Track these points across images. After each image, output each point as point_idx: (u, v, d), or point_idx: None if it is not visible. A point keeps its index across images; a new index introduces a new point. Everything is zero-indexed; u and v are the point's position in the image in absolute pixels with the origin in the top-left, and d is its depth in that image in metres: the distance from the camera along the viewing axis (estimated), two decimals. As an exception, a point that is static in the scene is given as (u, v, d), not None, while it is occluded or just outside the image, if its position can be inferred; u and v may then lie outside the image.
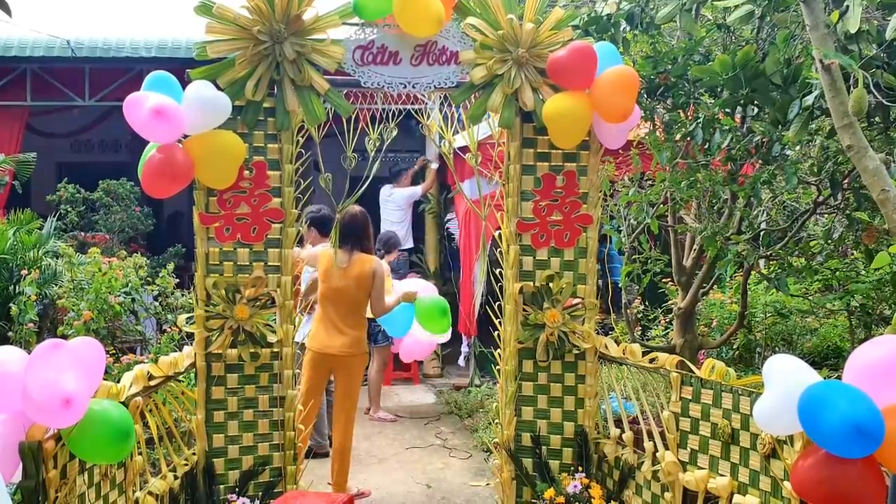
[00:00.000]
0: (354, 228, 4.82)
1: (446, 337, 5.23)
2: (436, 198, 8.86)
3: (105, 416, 2.76)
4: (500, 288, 4.29)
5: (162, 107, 3.39)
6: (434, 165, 8.63)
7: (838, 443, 2.42)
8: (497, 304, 4.32)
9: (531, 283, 4.11)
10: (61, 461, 2.77)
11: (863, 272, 5.34)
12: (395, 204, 8.64)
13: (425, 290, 5.09)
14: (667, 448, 3.64)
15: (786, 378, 2.66)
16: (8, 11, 2.48)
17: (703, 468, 3.45)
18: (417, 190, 8.70)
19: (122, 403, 3.07)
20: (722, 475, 3.35)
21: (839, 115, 2.99)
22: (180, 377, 3.88)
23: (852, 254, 5.56)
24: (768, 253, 4.57)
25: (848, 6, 3.19)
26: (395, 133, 4.31)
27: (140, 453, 3.40)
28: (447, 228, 8.87)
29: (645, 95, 4.42)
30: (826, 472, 2.51)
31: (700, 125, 4.16)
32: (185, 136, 3.67)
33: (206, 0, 3.69)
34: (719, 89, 4.10)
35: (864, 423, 2.35)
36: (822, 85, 3.06)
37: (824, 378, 2.66)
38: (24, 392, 2.56)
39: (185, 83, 3.67)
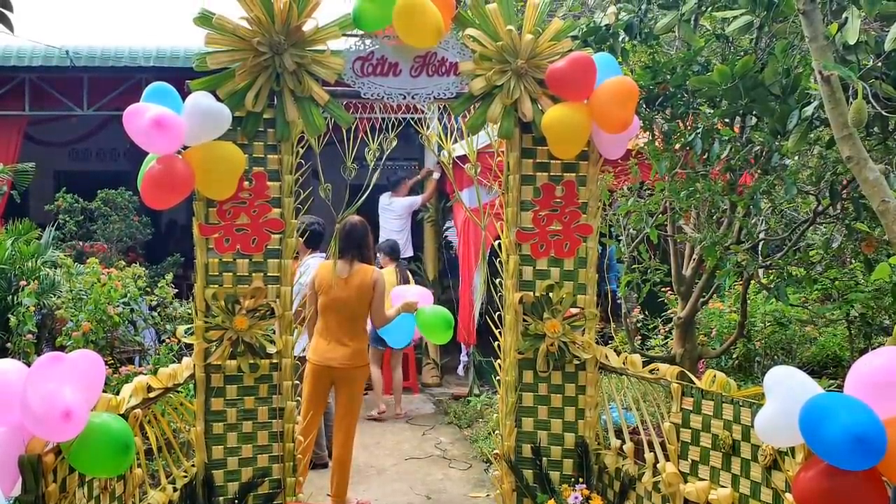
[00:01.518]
0: (355, 238, 4.81)
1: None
2: (434, 206, 8.86)
3: (105, 429, 2.75)
4: (500, 297, 4.29)
5: (162, 118, 3.39)
6: (435, 176, 8.64)
7: (840, 454, 2.42)
8: (497, 313, 4.32)
9: (531, 293, 4.11)
10: (61, 474, 2.76)
11: (861, 281, 5.35)
12: (395, 213, 8.65)
13: (422, 296, 5.07)
14: (667, 459, 3.63)
15: (787, 389, 2.66)
16: (10, 27, 2.48)
17: (704, 479, 3.45)
18: (417, 200, 8.71)
19: (122, 416, 3.05)
20: (723, 486, 3.35)
21: (839, 126, 3.00)
22: (179, 388, 3.87)
23: (850, 263, 5.57)
24: (767, 262, 4.57)
25: (847, 17, 3.20)
26: (394, 143, 4.32)
27: (139, 465, 3.39)
28: (445, 237, 8.87)
29: (644, 105, 4.43)
30: (828, 483, 2.51)
31: (699, 135, 4.17)
32: (185, 147, 3.67)
33: (205, 11, 3.69)
34: (718, 99, 4.10)
35: (867, 435, 2.34)
36: (822, 96, 3.06)
37: (825, 388, 2.66)
38: (24, 405, 2.55)
39: (183, 93, 3.67)
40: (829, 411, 2.42)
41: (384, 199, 8.74)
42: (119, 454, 2.78)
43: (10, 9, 2.48)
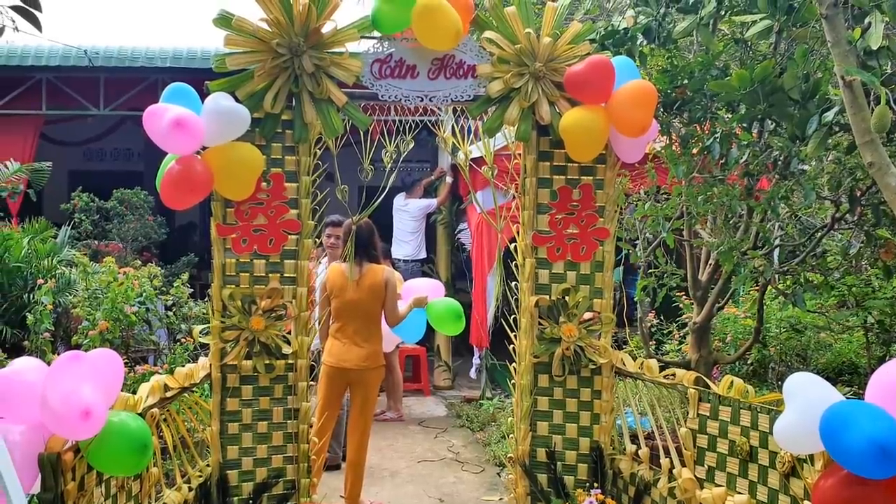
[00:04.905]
0: (361, 240, 4.79)
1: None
2: (448, 208, 8.87)
3: (123, 429, 2.77)
4: (515, 300, 4.28)
5: (182, 118, 3.40)
6: (449, 179, 8.65)
7: (862, 463, 2.40)
8: (512, 316, 4.31)
9: (547, 297, 4.10)
10: (79, 473, 2.77)
11: (878, 288, 5.31)
12: (410, 214, 8.66)
13: (434, 289, 5.06)
14: (683, 465, 3.61)
15: (807, 396, 2.64)
16: (39, 27, 2.50)
17: (720, 486, 3.43)
18: (433, 202, 8.72)
19: (139, 415, 3.07)
20: (740, 493, 3.33)
21: (861, 132, 2.98)
22: (195, 388, 3.88)
23: (867, 269, 5.53)
24: (784, 268, 4.55)
25: (869, 22, 3.18)
26: (412, 145, 4.32)
27: (156, 465, 3.40)
28: (458, 239, 8.88)
29: (662, 109, 4.41)
30: (848, 492, 2.49)
31: (717, 139, 4.15)
32: (204, 148, 3.68)
33: (225, 12, 3.70)
34: (737, 104, 4.08)
35: (890, 444, 2.32)
36: (844, 101, 3.04)
37: (843, 395, 2.64)
38: (44, 403, 2.57)
39: (201, 94, 3.69)
40: (851, 419, 2.41)
41: (399, 200, 8.75)
42: (137, 453, 2.79)
43: (39, 8, 2.50)
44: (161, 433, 3.50)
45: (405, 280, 6.11)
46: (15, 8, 2.52)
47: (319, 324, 4.73)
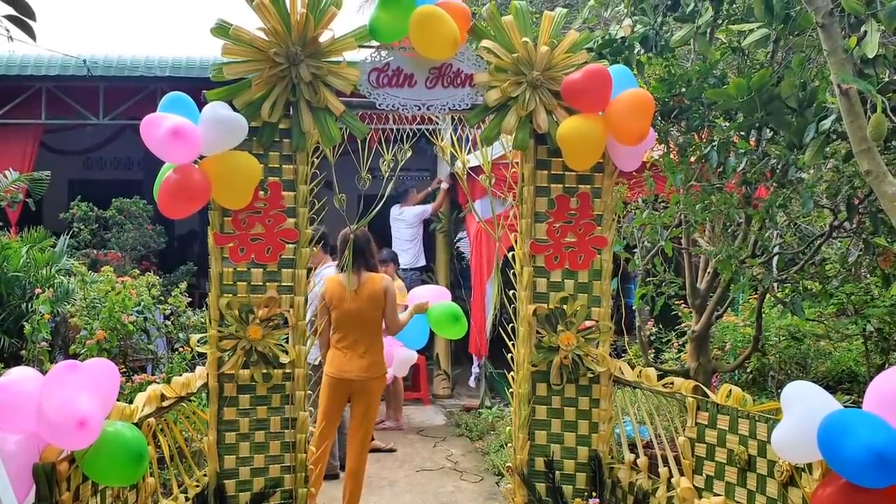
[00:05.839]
0: (358, 248, 4.77)
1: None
2: (447, 217, 8.88)
3: (119, 438, 2.75)
4: (513, 309, 4.27)
5: (180, 127, 3.41)
6: (444, 186, 8.66)
7: (860, 472, 2.40)
8: (510, 325, 4.30)
9: (545, 305, 4.09)
10: (74, 483, 2.76)
11: (877, 296, 5.31)
12: (406, 222, 8.67)
13: (440, 295, 5.04)
14: (682, 474, 3.60)
15: (805, 405, 2.64)
16: (33, 36, 2.50)
17: (719, 495, 3.42)
18: (427, 208, 8.73)
19: (136, 425, 3.05)
20: (738, 502, 3.32)
21: (858, 140, 2.98)
22: (192, 397, 3.87)
23: (865, 277, 5.53)
24: (783, 276, 4.54)
25: (865, 31, 3.19)
26: (409, 154, 4.32)
27: (152, 474, 3.38)
28: (457, 247, 8.87)
29: (659, 118, 4.42)
30: (846, 501, 2.49)
31: (715, 148, 4.15)
32: (201, 157, 3.68)
33: (222, 22, 3.71)
34: (734, 112, 4.09)
35: (888, 452, 2.32)
36: (840, 110, 3.04)
37: (841, 404, 2.64)
38: (40, 413, 2.56)
39: (199, 103, 3.69)
40: (849, 428, 2.40)
41: (395, 210, 8.77)
42: (133, 463, 2.78)
43: (34, 18, 2.50)
44: (158, 443, 3.48)
45: (406, 288, 6.12)
46: (9, 17, 2.52)
47: (317, 334, 4.71)
